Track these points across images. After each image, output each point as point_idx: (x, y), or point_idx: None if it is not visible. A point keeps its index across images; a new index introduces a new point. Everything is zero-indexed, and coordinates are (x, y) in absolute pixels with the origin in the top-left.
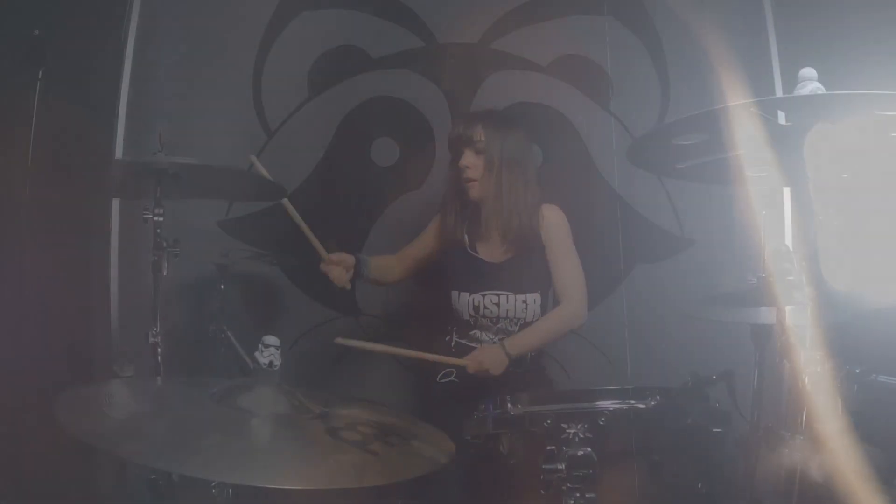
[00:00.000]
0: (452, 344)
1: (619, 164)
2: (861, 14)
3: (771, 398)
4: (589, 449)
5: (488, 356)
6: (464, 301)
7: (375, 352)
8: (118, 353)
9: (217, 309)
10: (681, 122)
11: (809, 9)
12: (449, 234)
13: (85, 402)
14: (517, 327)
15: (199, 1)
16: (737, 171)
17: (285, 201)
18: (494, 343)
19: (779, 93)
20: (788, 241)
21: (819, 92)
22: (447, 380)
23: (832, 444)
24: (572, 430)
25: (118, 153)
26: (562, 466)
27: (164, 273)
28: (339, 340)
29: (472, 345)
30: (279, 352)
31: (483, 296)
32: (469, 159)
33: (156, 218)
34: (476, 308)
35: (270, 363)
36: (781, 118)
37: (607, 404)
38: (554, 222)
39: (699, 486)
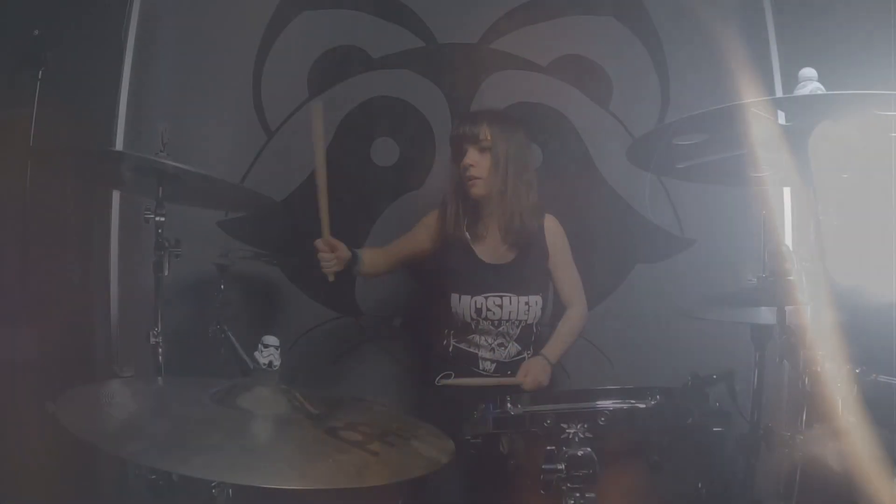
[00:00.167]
0: (450, 349)
1: (619, 164)
2: (861, 14)
3: (771, 398)
4: (589, 449)
5: (539, 370)
6: (465, 304)
7: (472, 386)
8: (118, 353)
9: (217, 309)
10: (681, 122)
11: (809, 9)
12: (450, 232)
13: (85, 402)
14: (518, 329)
15: (199, 1)
16: (737, 171)
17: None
18: (538, 356)
19: (779, 93)
20: (788, 241)
21: (819, 92)
22: (445, 382)
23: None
24: (572, 430)
25: None
26: (562, 466)
27: (166, 273)
28: (442, 382)
29: (471, 349)
30: (279, 352)
31: (486, 298)
32: (473, 157)
33: (158, 218)
34: (478, 311)
35: (270, 363)
36: (781, 118)
37: (607, 404)
38: (557, 232)
39: (699, 486)
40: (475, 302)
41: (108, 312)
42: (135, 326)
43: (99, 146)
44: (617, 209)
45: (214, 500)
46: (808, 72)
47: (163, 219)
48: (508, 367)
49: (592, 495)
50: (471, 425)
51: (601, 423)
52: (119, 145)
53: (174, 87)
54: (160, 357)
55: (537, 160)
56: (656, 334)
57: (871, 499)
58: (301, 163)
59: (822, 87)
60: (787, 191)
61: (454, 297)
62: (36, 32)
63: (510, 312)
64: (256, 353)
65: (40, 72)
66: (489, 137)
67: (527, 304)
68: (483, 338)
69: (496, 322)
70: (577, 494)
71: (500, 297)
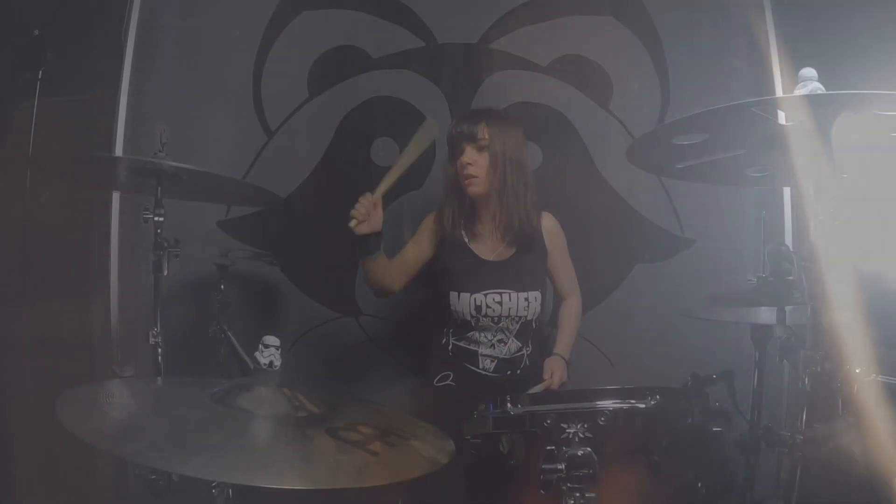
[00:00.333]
0: (449, 347)
1: (619, 164)
2: (861, 14)
3: (771, 398)
4: (589, 449)
5: (560, 368)
6: (464, 301)
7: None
8: (118, 353)
9: (217, 309)
10: (681, 122)
11: (809, 9)
12: (447, 231)
13: (85, 402)
14: (517, 325)
15: (199, 1)
16: (737, 171)
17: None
18: (555, 356)
19: (779, 93)
20: (788, 241)
21: (819, 92)
22: (444, 384)
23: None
24: (572, 430)
25: (118, 153)
26: (562, 466)
27: (165, 273)
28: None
29: (470, 347)
30: (279, 352)
31: (485, 295)
32: (471, 156)
33: (156, 218)
34: (478, 308)
35: (270, 363)
36: (781, 118)
37: (607, 404)
38: (555, 230)
39: (699, 486)
40: (474, 299)
41: (108, 312)
42: (135, 326)
43: (95, 151)
44: (617, 209)
45: (214, 500)
46: (808, 72)
47: (161, 219)
48: (509, 363)
49: (592, 495)
50: (471, 425)
51: (601, 423)
52: (119, 145)
53: (174, 87)
54: (159, 357)
55: (537, 160)
56: (656, 334)
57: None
58: (301, 163)
59: (822, 87)
60: (787, 191)
61: (453, 294)
62: (36, 32)
63: (510, 309)
64: (256, 354)
65: (40, 72)
66: (487, 136)
67: (526, 299)
68: (483, 335)
69: (496, 318)
70: (577, 494)
71: (500, 293)
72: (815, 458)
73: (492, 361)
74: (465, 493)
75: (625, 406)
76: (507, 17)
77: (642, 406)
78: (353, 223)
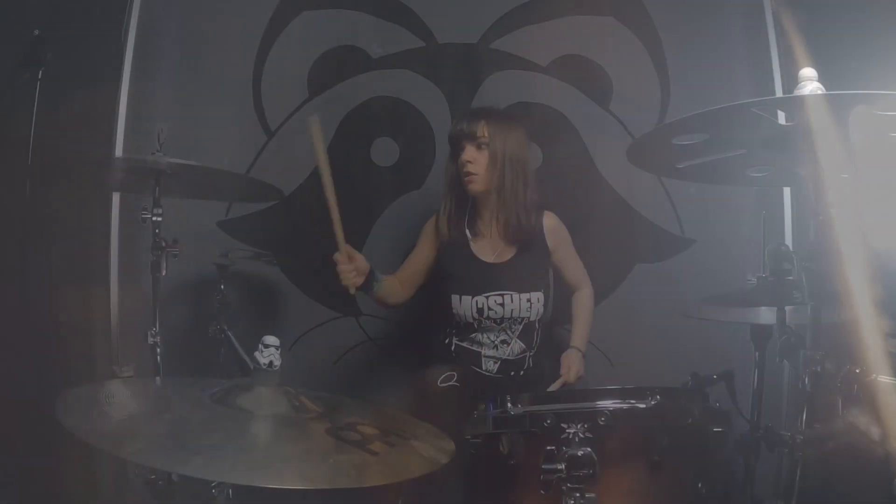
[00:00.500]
0: (452, 347)
1: (619, 164)
2: (861, 14)
3: (771, 398)
4: (589, 449)
5: (577, 362)
6: (466, 304)
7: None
8: (118, 353)
9: (217, 309)
10: (681, 122)
11: (809, 9)
12: (448, 232)
13: (85, 402)
14: (521, 327)
15: (199, 1)
16: (737, 171)
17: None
18: (572, 349)
19: (779, 93)
20: (788, 241)
21: (819, 92)
22: (447, 384)
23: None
24: (572, 430)
25: (118, 153)
26: (562, 466)
27: (163, 273)
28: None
29: (473, 348)
30: (279, 352)
31: (487, 297)
32: (471, 154)
33: (154, 218)
34: (480, 310)
35: (270, 363)
36: (781, 118)
37: (607, 404)
38: (558, 229)
39: (699, 486)
40: (476, 302)
41: (107, 312)
42: (135, 326)
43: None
44: (617, 209)
45: (214, 500)
46: (808, 72)
47: (159, 218)
48: (513, 364)
49: (592, 495)
50: (471, 425)
51: (601, 423)
52: (119, 145)
53: (174, 87)
54: (158, 357)
55: (537, 160)
56: (656, 334)
57: None
58: (301, 163)
59: (822, 87)
60: (787, 191)
61: (454, 298)
62: (36, 32)
63: (512, 310)
64: (256, 354)
65: (40, 72)
66: (487, 134)
67: (528, 300)
68: (486, 336)
69: (498, 320)
70: (577, 494)
71: (501, 295)
72: (815, 458)
73: (495, 362)
74: (465, 493)
75: (625, 406)
76: (507, 17)
77: (642, 406)
78: (351, 291)
